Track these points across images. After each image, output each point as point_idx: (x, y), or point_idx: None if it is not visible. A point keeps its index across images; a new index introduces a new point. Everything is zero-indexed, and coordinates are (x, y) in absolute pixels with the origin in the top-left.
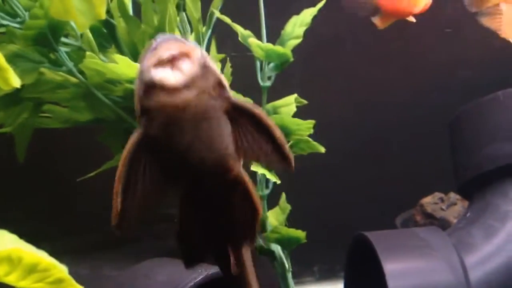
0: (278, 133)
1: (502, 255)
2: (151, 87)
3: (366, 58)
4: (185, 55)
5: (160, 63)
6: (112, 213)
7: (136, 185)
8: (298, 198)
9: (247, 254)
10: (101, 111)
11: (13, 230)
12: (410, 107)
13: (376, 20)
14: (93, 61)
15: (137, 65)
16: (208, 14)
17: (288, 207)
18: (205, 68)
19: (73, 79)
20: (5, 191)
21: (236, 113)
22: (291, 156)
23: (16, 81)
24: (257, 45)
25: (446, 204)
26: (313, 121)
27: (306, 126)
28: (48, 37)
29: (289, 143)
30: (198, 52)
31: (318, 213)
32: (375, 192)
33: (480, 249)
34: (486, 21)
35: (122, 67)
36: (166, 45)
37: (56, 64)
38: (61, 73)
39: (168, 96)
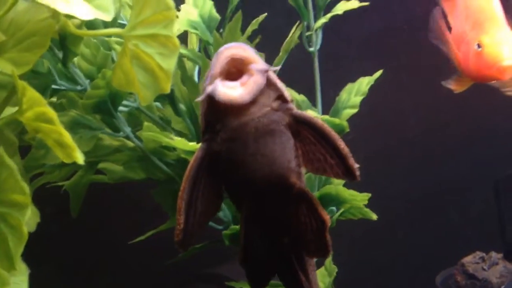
0: (343, 145)
1: None
2: (216, 102)
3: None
4: (250, 69)
5: (225, 77)
6: (175, 230)
7: (197, 202)
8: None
9: (313, 271)
10: (155, 173)
11: None
12: (454, 164)
13: (451, 84)
14: (151, 134)
15: (192, 144)
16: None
17: (335, 269)
18: (268, 81)
19: (130, 143)
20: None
21: (299, 126)
22: (356, 168)
23: (80, 159)
24: (312, 113)
25: (488, 264)
26: (368, 194)
27: (361, 198)
28: (108, 105)
29: (341, 210)
30: (262, 65)
31: (356, 274)
32: (416, 249)
33: None
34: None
35: (178, 144)
36: (232, 57)
37: (114, 129)
38: (118, 137)
39: (233, 111)
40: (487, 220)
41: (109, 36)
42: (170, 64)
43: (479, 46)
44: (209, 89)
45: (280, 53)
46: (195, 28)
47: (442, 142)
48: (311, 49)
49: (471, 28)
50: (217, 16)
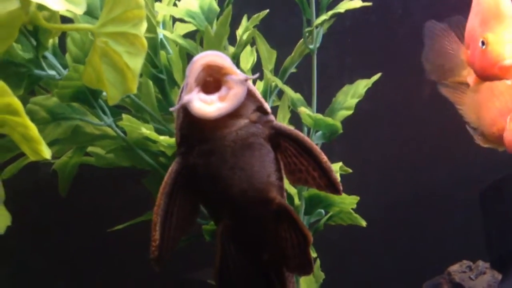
0: (324, 159)
1: None
2: (192, 115)
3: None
4: (228, 80)
5: (202, 87)
6: (151, 246)
7: (173, 217)
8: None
9: (292, 285)
10: (140, 163)
11: None
12: (438, 172)
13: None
14: (130, 125)
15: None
16: (281, 69)
17: (322, 276)
18: (248, 93)
19: (112, 133)
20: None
21: (279, 138)
22: (338, 181)
23: (47, 153)
24: (307, 114)
25: (475, 273)
26: (357, 197)
27: (349, 201)
28: (87, 95)
29: (330, 214)
30: (240, 75)
31: (342, 281)
32: (402, 258)
33: None
34: (446, 92)
35: (155, 136)
36: (208, 65)
37: (96, 118)
38: (100, 127)
39: (210, 124)
40: (474, 228)
41: None
42: (137, 63)
43: (483, 43)
44: (184, 100)
45: (293, 54)
46: (192, 18)
47: (425, 148)
48: (311, 46)
49: (479, 25)
50: (216, 8)
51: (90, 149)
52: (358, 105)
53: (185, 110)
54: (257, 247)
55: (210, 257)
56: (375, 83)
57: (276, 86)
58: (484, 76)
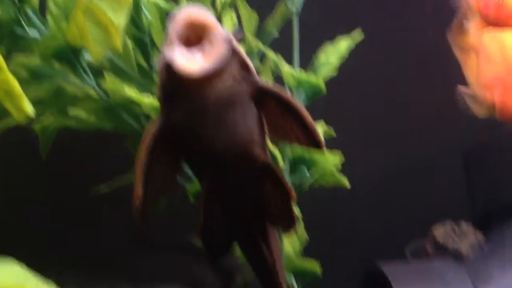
0: (308, 117)
1: None
2: (174, 72)
3: (384, 85)
4: (212, 37)
5: (185, 43)
6: (134, 201)
7: (156, 173)
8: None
9: (275, 244)
10: (124, 125)
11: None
12: (424, 134)
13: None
14: (114, 86)
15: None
16: (263, 31)
17: (305, 236)
18: (231, 50)
19: (94, 94)
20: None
21: (263, 97)
22: (322, 140)
23: (29, 109)
24: (290, 73)
25: (458, 235)
26: (340, 156)
27: (333, 160)
28: (69, 55)
29: (314, 175)
30: (224, 32)
31: (326, 244)
32: (386, 220)
33: (497, 283)
34: (457, 52)
35: (139, 97)
36: (191, 21)
37: (78, 78)
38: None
39: (193, 82)
40: (458, 191)
41: None
42: (121, 19)
43: None
44: (167, 56)
45: (275, 17)
46: None
47: (412, 110)
48: (292, 7)
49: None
50: None
51: (72, 112)
52: (341, 66)
53: (168, 67)
54: (241, 205)
55: (195, 220)
56: (361, 45)
57: (259, 49)
58: (499, 28)
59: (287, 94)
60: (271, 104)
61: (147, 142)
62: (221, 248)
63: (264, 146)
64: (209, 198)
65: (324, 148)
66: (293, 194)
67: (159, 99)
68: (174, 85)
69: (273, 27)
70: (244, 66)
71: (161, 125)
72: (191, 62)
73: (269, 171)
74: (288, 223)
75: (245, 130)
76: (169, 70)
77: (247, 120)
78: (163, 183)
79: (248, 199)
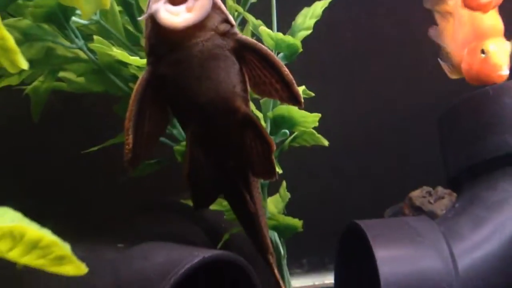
0: (286, 72)
1: (489, 244)
2: (159, 25)
3: (363, 52)
4: None
5: (170, 2)
6: (124, 150)
7: (144, 122)
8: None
9: (257, 192)
10: (112, 87)
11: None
12: (401, 101)
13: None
14: (102, 47)
15: (144, 61)
16: None
17: (288, 196)
18: (213, 5)
19: (84, 56)
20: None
21: (244, 51)
22: (299, 93)
23: (24, 63)
24: (268, 34)
25: (434, 198)
26: (318, 114)
27: (311, 119)
28: (59, 16)
29: (294, 134)
30: None
31: (308, 204)
32: (366, 186)
33: (468, 238)
34: (438, 18)
35: (128, 59)
36: None
37: (67, 40)
38: (72, 49)
39: (177, 35)
40: (435, 154)
41: None
42: None
43: (483, 52)
44: (152, 9)
45: None
46: None
47: (383, 73)
48: None
49: (474, 34)
50: None
51: (61, 74)
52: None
53: (153, 20)
54: (224, 154)
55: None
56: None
57: (239, 14)
58: (480, 80)
59: (266, 48)
60: (251, 58)
61: (136, 92)
62: (207, 196)
63: (246, 99)
64: (193, 145)
65: (302, 103)
66: (273, 145)
67: (146, 51)
68: (160, 37)
69: None
70: (225, 21)
71: (148, 74)
72: (175, 14)
73: (251, 122)
74: (268, 173)
75: (227, 82)
76: (154, 22)
77: (229, 73)
78: (153, 132)
79: (231, 148)
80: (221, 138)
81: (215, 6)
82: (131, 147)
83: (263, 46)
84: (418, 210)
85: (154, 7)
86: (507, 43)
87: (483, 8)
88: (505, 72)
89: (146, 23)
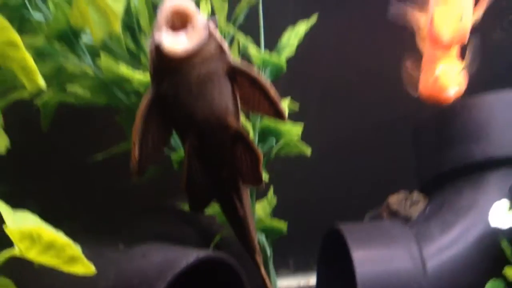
0: (272, 92)
1: (456, 246)
2: (162, 52)
3: (340, 63)
4: (193, 22)
5: (171, 28)
6: (131, 160)
7: (149, 136)
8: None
9: (247, 198)
10: (115, 101)
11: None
12: (381, 112)
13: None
14: (108, 64)
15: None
16: (234, 16)
17: (274, 200)
18: (209, 34)
19: (90, 71)
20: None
21: (235, 74)
22: (284, 111)
23: (42, 83)
24: (256, 54)
25: (410, 202)
26: (301, 127)
27: (295, 131)
28: (70, 36)
29: (279, 144)
30: (204, 19)
31: (294, 208)
32: (349, 190)
33: (437, 241)
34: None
35: (131, 74)
36: (177, 10)
37: (76, 58)
38: (81, 66)
39: (178, 60)
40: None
41: None
42: (119, 6)
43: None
44: (156, 39)
45: (241, 3)
46: None
47: (365, 83)
48: None
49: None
50: None
51: (70, 88)
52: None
53: (157, 48)
54: (218, 165)
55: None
56: (324, 11)
57: (229, 33)
58: (432, 100)
59: (255, 71)
60: (242, 80)
61: (142, 110)
62: (202, 201)
63: (237, 115)
64: (190, 157)
65: (286, 118)
66: (261, 156)
67: (150, 74)
68: (163, 62)
69: (240, 13)
70: (220, 47)
71: (152, 95)
72: (176, 43)
73: (241, 136)
74: (256, 181)
75: (221, 101)
76: (158, 50)
77: (223, 93)
78: (156, 145)
79: (224, 160)
80: (215, 151)
81: (211, 35)
82: (137, 158)
83: (253, 70)
84: (394, 215)
85: (157, 37)
86: (459, 64)
87: (446, 48)
88: (450, 93)
89: (150, 49)
